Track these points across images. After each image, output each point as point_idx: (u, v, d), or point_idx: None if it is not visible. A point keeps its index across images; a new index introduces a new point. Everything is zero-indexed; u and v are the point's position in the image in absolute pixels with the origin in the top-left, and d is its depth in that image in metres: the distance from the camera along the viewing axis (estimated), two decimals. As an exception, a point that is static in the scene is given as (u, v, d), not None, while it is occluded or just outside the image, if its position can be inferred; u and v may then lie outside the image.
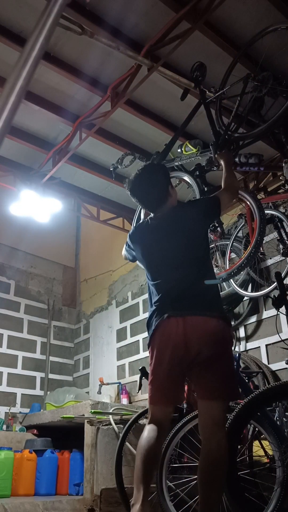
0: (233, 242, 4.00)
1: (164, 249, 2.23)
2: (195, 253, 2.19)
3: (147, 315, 5.72)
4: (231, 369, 2.15)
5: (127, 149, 4.17)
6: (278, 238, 3.71)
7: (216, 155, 2.92)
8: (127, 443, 3.27)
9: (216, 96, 3.23)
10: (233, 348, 2.27)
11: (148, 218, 2.40)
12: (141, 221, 2.53)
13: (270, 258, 4.07)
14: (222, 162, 2.82)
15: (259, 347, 4.04)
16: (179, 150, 3.41)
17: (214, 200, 2.38)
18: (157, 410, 2.12)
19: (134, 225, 2.66)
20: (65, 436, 4.49)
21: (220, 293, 4.14)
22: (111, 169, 3.66)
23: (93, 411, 3.74)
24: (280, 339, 3.08)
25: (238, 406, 2.34)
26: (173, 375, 2.07)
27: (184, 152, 3.35)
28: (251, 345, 4.13)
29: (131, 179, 2.29)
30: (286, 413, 2.65)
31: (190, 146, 3.34)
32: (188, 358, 2.03)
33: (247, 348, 4.14)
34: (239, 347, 4.21)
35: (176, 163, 3.37)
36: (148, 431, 2.08)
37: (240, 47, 3.18)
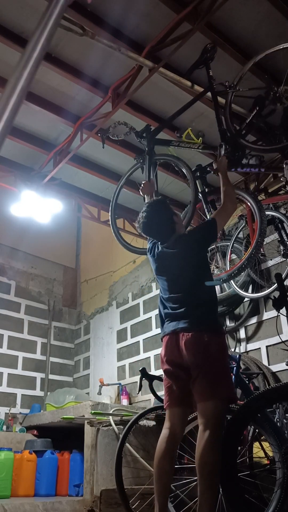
0: (233, 243, 4.00)
1: (169, 277, 2.56)
2: (196, 279, 2.50)
3: (147, 316, 5.72)
4: (220, 372, 2.29)
5: (128, 150, 4.17)
6: (279, 239, 3.71)
7: (214, 162, 2.96)
8: (127, 444, 3.26)
9: (228, 92, 3.13)
10: (227, 351, 2.45)
11: (159, 243, 2.68)
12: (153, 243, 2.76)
13: (271, 259, 4.07)
14: (220, 170, 2.87)
15: (260, 348, 4.04)
16: (177, 135, 3.30)
17: (212, 226, 2.61)
18: (169, 413, 2.38)
19: (150, 241, 2.78)
20: (65, 437, 4.49)
21: (221, 294, 4.16)
22: (98, 134, 3.52)
23: (93, 412, 3.74)
24: (281, 340, 3.08)
25: (238, 408, 2.33)
26: (178, 381, 2.38)
27: (183, 139, 3.23)
28: (251, 346, 4.13)
29: (141, 222, 2.61)
30: (287, 415, 2.65)
31: (192, 135, 3.20)
32: (185, 367, 2.34)
33: (248, 349, 4.14)
34: (239, 348, 4.21)
35: (173, 145, 3.26)
36: (160, 442, 2.33)
37: (241, 48, 3.18)
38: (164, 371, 2.44)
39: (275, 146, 2.94)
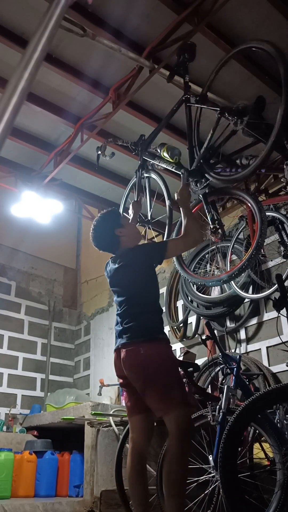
0: (234, 244, 4.00)
1: (117, 293, 2.50)
2: (134, 293, 2.41)
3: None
4: (166, 383, 2.20)
5: (129, 151, 4.16)
6: (279, 240, 3.71)
7: (176, 192, 2.68)
8: (127, 445, 3.26)
9: (196, 106, 2.81)
10: (170, 357, 2.34)
11: (110, 258, 2.63)
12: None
13: (271, 260, 4.07)
14: (180, 202, 2.61)
15: (260, 349, 4.04)
16: (158, 149, 3.06)
17: (159, 248, 2.50)
18: (130, 422, 2.38)
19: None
20: (65, 437, 4.49)
21: (222, 295, 4.16)
22: (99, 153, 3.29)
23: (93, 412, 3.74)
24: (281, 341, 3.08)
25: (239, 408, 2.33)
26: (130, 391, 2.35)
27: (162, 155, 3.00)
28: (251, 347, 4.12)
29: (91, 236, 2.60)
30: (287, 416, 2.65)
31: (166, 153, 2.93)
32: (131, 381, 2.28)
33: (248, 350, 4.14)
34: (240, 349, 4.21)
35: (155, 162, 3.06)
36: (128, 455, 2.30)
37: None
38: (119, 384, 2.50)
39: (234, 176, 2.59)
